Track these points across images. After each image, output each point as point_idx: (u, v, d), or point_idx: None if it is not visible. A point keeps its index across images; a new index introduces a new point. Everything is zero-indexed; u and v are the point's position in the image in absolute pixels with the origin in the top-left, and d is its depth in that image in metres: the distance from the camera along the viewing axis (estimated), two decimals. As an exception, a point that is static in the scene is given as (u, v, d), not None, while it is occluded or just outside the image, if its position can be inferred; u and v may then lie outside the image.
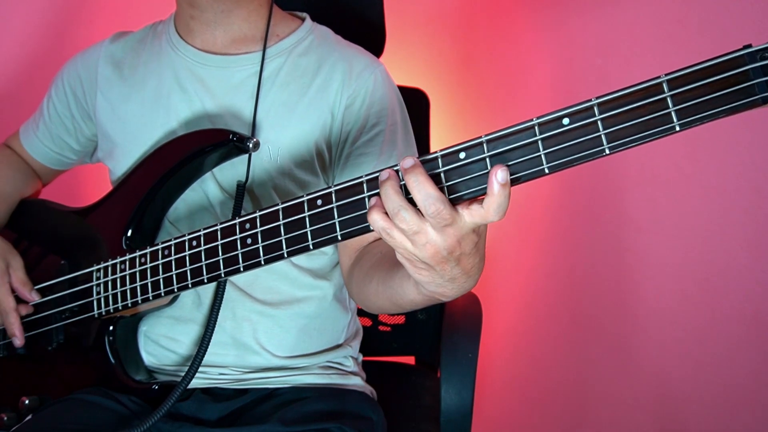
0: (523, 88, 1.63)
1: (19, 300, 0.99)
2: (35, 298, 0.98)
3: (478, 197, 0.60)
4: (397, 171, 0.61)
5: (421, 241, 0.60)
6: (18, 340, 0.97)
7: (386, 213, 0.60)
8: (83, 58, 1.06)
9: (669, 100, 0.53)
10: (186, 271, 0.82)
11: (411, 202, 0.59)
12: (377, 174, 0.64)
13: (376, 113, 0.94)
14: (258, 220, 0.74)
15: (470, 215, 0.59)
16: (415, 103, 1.26)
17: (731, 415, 1.56)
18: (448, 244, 0.60)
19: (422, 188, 0.58)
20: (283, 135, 0.94)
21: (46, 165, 1.13)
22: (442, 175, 0.61)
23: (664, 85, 0.53)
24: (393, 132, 0.95)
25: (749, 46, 0.51)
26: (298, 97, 0.95)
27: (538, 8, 1.59)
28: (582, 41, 1.56)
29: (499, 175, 0.56)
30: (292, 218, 0.71)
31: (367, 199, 0.65)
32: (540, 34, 1.60)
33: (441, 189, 0.61)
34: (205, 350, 0.87)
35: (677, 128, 0.53)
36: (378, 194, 0.61)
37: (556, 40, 1.59)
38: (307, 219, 0.69)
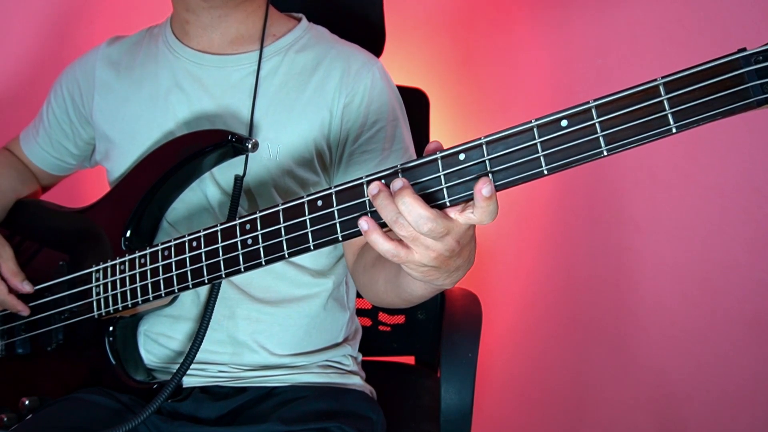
0: (523, 88, 1.63)
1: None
2: (27, 288, 0.98)
3: (469, 202, 0.61)
4: (387, 184, 0.62)
5: (423, 246, 0.61)
6: (24, 311, 0.99)
7: (386, 233, 0.62)
8: (81, 64, 1.07)
9: (665, 102, 0.53)
10: (186, 272, 0.82)
11: None
12: (377, 175, 0.64)
13: (375, 110, 0.95)
14: (258, 221, 0.74)
15: (464, 219, 0.61)
16: (415, 103, 1.26)
17: (731, 415, 1.56)
18: (449, 247, 0.62)
19: (412, 210, 0.59)
20: (283, 133, 0.94)
21: (47, 170, 1.14)
22: (442, 176, 0.62)
23: (661, 88, 0.54)
24: (394, 127, 0.95)
25: (744, 49, 0.51)
26: (296, 95, 0.95)
27: (538, 8, 1.59)
28: (582, 41, 1.56)
29: (485, 190, 0.58)
30: (293, 221, 0.71)
31: (367, 202, 0.65)
32: (540, 34, 1.60)
33: (440, 190, 0.62)
34: (199, 345, 0.86)
35: (674, 130, 0.54)
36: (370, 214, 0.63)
37: (556, 40, 1.59)
38: (307, 221, 0.70)
